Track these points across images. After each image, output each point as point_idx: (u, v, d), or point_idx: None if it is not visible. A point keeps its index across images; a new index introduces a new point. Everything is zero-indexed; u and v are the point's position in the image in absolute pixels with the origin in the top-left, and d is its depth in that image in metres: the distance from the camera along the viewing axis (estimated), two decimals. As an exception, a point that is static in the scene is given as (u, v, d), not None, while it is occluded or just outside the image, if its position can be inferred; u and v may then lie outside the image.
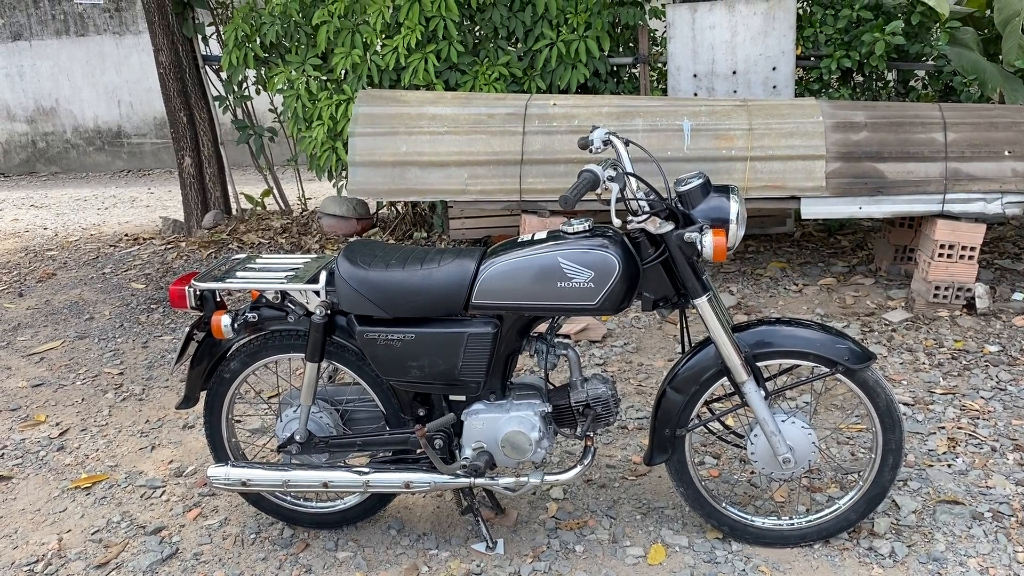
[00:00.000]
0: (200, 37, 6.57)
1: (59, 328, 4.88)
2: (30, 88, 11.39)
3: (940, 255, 4.25)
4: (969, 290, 4.28)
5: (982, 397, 3.47)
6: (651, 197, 2.35)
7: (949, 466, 2.99)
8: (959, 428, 3.24)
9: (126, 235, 7.07)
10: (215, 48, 6.83)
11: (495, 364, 2.48)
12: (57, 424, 3.70)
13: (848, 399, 3.48)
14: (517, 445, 2.46)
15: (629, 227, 2.34)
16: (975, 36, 5.28)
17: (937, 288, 4.29)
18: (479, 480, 2.52)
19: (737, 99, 4.80)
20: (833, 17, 5.32)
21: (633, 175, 2.33)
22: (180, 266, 5.92)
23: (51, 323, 4.96)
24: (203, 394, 2.72)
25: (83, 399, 3.94)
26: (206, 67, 6.64)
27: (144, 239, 6.82)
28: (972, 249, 4.24)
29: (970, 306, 4.30)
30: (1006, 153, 4.24)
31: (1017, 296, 4.44)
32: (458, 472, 2.52)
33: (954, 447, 3.11)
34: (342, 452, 2.67)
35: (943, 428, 3.24)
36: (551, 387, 2.59)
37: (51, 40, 11.16)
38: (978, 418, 3.31)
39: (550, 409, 2.51)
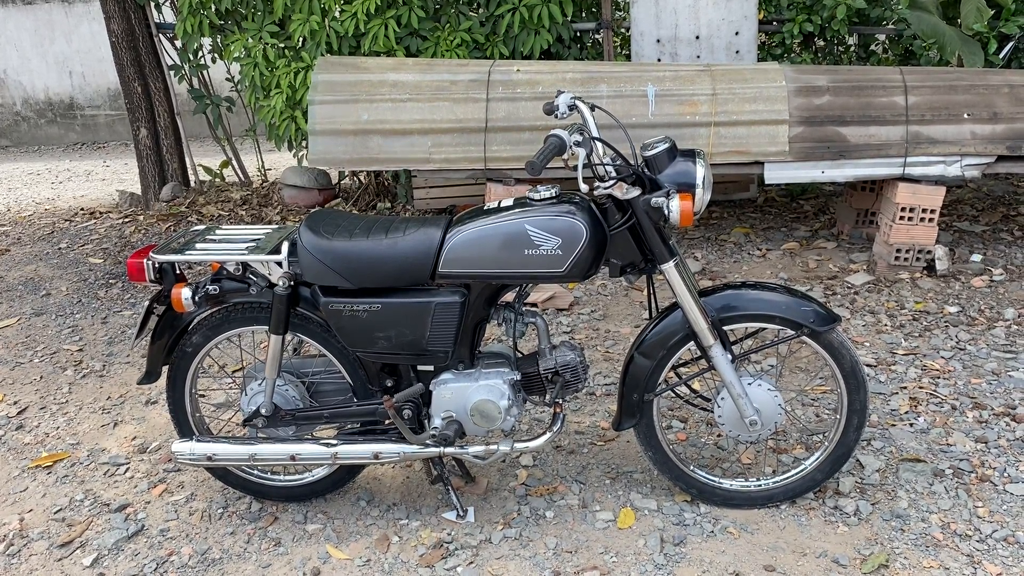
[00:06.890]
0: (153, 4, 6.38)
1: (14, 305, 4.76)
2: (-24, 59, 11.04)
3: (901, 218, 4.30)
4: (929, 252, 4.34)
5: (942, 357, 3.53)
6: (618, 162, 2.33)
7: (911, 425, 3.04)
8: (920, 388, 3.30)
9: (82, 209, 6.90)
10: (169, 16, 6.66)
11: (463, 333, 2.46)
12: (15, 403, 3.62)
13: (813, 362, 3.52)
14: (486, 413, 2.46)
15: (596, 193, 2.33)
16: (934, 0, 5.30)
17: (898, 251, 4.34)
18: (449, 449, 2.51)
19: (701, 64, 4.78)
20: (795, -19, 5.32)
21: (600, 140, 2.31)
22: (138, 240, 5.80)
23: (5, 300, 4.84)
24: (165, 369, 2.67)
25: (41, 377, 3.85)
26: (160, 35, 6.46)
27: (101, 213, 6.66)
28: (932, 212, 4.29)
29: (930, 268, 4.37)
30: (965, 116, 4.28)
31: (975, 258, 4.52)
32: (427, 442, 2.51)
33: (916, 406, 3.16)
34: (309, 424, 2.65)
35: (905, 388, 3.30)
36: (519, 355, 2.58)
37: (-4, 8, 10.80)
38: (939, 378, 3.37)
39: (519, 377, 2.51)
